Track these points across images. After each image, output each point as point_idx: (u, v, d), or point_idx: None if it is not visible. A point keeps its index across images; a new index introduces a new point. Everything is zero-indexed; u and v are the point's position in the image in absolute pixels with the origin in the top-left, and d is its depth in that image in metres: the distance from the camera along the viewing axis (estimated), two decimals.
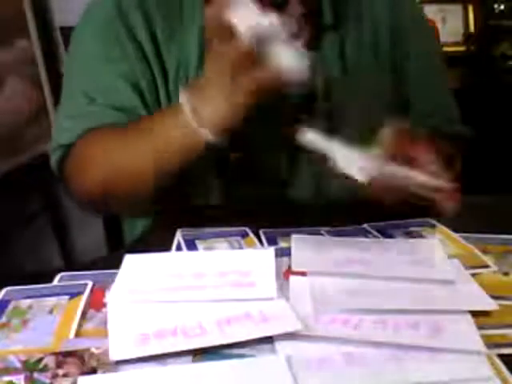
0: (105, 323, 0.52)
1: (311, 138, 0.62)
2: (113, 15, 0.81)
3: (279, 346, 0.49)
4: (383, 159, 0.60)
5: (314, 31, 0.83)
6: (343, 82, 0.85)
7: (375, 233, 0.72)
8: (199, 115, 0.66)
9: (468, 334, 0.50)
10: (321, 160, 0.62)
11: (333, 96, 0.85)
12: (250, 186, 0.85)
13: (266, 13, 0.61)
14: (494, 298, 0.55)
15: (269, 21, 0.60)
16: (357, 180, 0.60)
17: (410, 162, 0.61)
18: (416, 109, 0.90)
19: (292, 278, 0.59)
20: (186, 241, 0.70)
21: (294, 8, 0.82)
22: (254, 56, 0.62)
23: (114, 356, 0.47)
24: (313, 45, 0.82)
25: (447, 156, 0.75)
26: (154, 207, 0.83)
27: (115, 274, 0.60)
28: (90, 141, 0.79)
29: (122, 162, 0.76)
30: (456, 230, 0.71)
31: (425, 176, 0.60)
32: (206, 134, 0.66)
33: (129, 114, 0.80)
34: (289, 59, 0.61)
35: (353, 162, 0.60)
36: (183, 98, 0.67)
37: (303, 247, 0.66)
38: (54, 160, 0.84)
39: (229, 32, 0.61)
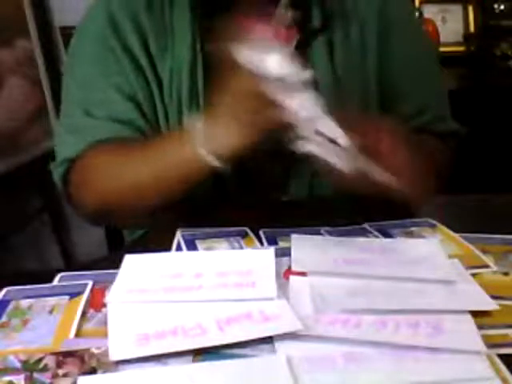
0: (105, 323, 0.52)
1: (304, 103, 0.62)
2: (107, 30, 0.82)
3: (279, 346, 0.49)
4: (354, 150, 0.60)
5: (303, 37, 0.84)
6: (332, 84, 0.85)
7: (375, 233, 0.72)
8: (209, 142, 0.67)
9: (468, 334, 0.50)
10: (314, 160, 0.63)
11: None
12: (245, 191, 0.85)
13: (290, 62, 0.61)
14: (494, 298, 0.55)
15: (293, 71, 0.60)
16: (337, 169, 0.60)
17: (373, 152, 0.61)
18: (404, 107, 0.90)
19: (292, 278, 0.59)
20: (185, 241, 0.70)
21: (282, 15, 0.82)
22: (272, 98, 0.62)
23: (114, 356, 0.47)
24: (302, 50, 0.82)
25: (428, 155, 0.76)
26: (152, 221, 0.84)
27: (115, 273, 0.60)
28: (93, 156, 0.80)
29: (125, 181, 0.77)
30: (456, 230, 0.71)
31: (384, 174, 0.60)
32: (213, 161, 0.67)
33: (128, 125, 0.81)
34: (303, 105, 0.61)
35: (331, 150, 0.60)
36: (193, 124, 0.68)
37: (303, 247, 0.66)
38: (57, 175, 0.85)
39: (247, 70, 0.61)
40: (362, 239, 0.70)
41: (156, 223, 0.83)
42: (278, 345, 0.49)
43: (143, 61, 0.82)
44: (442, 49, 2.15)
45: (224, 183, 0.85)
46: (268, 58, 0.60)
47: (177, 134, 0.75)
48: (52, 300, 0.57)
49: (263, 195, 0.87)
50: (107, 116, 0.81)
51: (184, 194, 0.74)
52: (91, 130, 0.81)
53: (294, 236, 0.69)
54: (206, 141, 0.67)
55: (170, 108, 0.83)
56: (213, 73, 0.82)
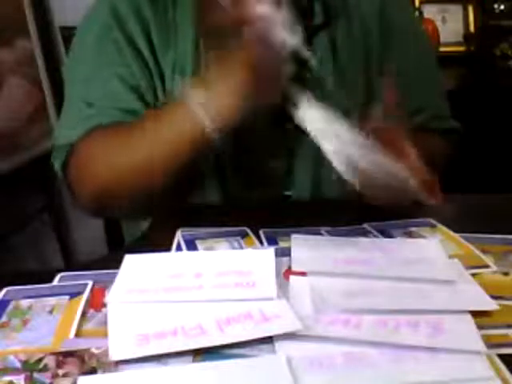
0: (105, 323, 0.52)
1: (307, 114, 0.62)
2: (110, 23, 0.82)
3: (279, 346, 0.49)
4: (369, 147, 0.60)
5: (305, 33, 0.84)
6: (335, 82, 0.85)
7: (375, 233, 0.72)
8: (207, 108, 0.67)
9: (468, 334, 0.50)
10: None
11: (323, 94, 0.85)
12: (248, 186, 0.85)
13: None
14: (494, 298, 0.55)
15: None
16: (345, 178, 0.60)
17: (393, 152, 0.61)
18: (403, 106, 0.90)
19: (292, 278, 0.59)
20: (185, 241, 0.70)
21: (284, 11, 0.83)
22: (241, 21, 0.62)
23: (114, 356, 0.47)
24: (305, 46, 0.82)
25: (428, 152, 0.77)
26: (153, 210, 0.83)
27: (115, 273, 0.60)
28: (91, 140, 0.79)
29: (127, 160, 0.75)
30: (456, 230, 0.71)
31: (407, 170, 0.60)
32: (214, 127, 0.67)
33: (130, 114, 0.80)
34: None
35: (340, 150, 0.60)
36: (187, 93, 0.68)
37: (303, 247, 0.66)
38: (57, 164, 0.84)
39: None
40: (362, 239, 0.70)
41: (155, 215, 0.83)
42: (278, 345, 0.49)
43: (146, 52, 0.82)
44: (441, 49, 2.15)
45: (226, 180, 0.85)
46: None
47: (175, 105, 0.73)
48: (52, 300, 0.57)
49: (265, 191, 0.87)
50: (109, 105, 0.80)
51: (186, 173, 0.74)
52: (91, 117, 0.80)
53: (294, 236, 0.69)
54: (203, 100, 0.67)
55: (172, 102, 0.83)
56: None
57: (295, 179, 0.87)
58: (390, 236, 0.71)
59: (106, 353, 0.48)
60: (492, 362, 0.47)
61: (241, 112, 0.67)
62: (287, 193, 0.88)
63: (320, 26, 0.85)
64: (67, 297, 0.58)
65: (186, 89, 0.69)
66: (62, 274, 0.63)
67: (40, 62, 1.75)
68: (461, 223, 0.73)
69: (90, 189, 0.79)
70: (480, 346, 0.48)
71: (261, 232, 0.72)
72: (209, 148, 0.71)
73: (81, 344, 0.49)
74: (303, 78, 0.80)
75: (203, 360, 0.47)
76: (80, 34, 0.87)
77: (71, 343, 0.50)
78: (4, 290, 0.59)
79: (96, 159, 0.78)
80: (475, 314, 0.52)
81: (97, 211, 0.87)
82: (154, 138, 0.72)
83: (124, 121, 0.79)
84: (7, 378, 0.45)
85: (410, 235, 0.72)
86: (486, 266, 0.63)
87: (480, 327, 0.51)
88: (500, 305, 0.54)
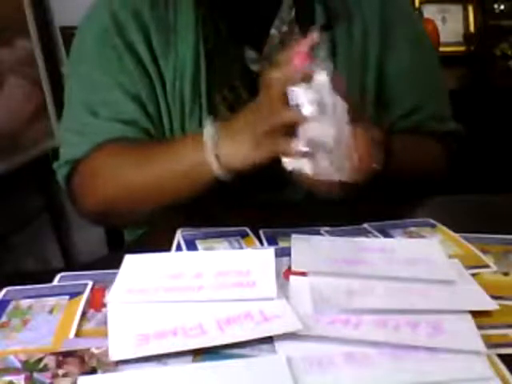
0: (105, 323, 0.52)
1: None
2: (110, 29, 0.82)
3: (279, 346, 0.49)
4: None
5: (306, 34, 0.84)
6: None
7: (375, 233, 0.72)
8: (220, 154, 0.68)
9: (468, 334, 0.50)
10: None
11: None
12: (244, 187, 0.85)
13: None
14: (494, 298, 0.55)
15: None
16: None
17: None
18: (398, 107, 0.90)
19: (292, 278, 0.59)
20: (185, 241, 0.70)
21: (285, 13, 0.83)
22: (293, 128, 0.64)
23: (114, 356, 0.47)
24: None
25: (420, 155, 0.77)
26: (153, 220, 0.84)
27: (115, 273, 0.60)
28: (98, 158, 0.80)
29: (132, 182, 0.77)
30: (456, 230, 0.71)
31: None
32: (222, 173, 0.69)
33: (132, 126, 0.81)
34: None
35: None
36: (208, 133, 0.69)
37: (303, 247, 0.66)
38: (61, 176, 0.85)
39: (284, 100, 0.64)
40: (362, 239, 0.70)
41: (155, 222, 0.83)
42: (278, 345, 0.49)
43: (146, 59, 0.82)
44: (441, 49, 2.15)
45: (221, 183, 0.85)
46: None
47: (190, 139, 0.75)
48: (52, 300, 0.57)
49: (259, 195, 0.87)
50: (112, 116, 0.81)
51: (189, 200, 0.75)
52: (96, 130, 0.81)
53: (294, 236, 0.69)
54: (218, 152, 0.68)
55: (173, 107, 0.83)
56: (216, 73, 0.83)
57: (289, 186, 0.87)
58: (390, 236, 0.71)
59: (105, 353, 0.48)
60: (492, 362, 0.47)
61: (253, 164, 0.68)
62: (282, 194, 0.88)
63: (321, 28, 0.85)
64: (67, 297, 0.58)
65: (207, 129, 0.70)
66: (62, 273, 0.63)
67: (40, 62, 1.76)
68: (461, 223, 0.73)
69: (94, 203, 0.81)
70: (480, 345, 0.48)
71: (261, 232, 0.72)
72: (212, 185, 0.73)
73: (81, 344, 0.49)
74: None
75: (203, 360, 0.47)
76: (80, 34, 0.87)
77: (71, 343, 0.50)
78: (4, 290, 0.59)
79: (103, 176, 0.80)
80: (475, 313, 0.52)
81: (98, 221, 0.90)
82: (161, 169, 0.75)
83: (126, 135, 0.80)
84: (7, 378, 0.45)
85: (410, 235, 0.72)
86: (486, 266, 0.63)
87: (480, 327, 0.51)
88: (500, 305, 0.54)
